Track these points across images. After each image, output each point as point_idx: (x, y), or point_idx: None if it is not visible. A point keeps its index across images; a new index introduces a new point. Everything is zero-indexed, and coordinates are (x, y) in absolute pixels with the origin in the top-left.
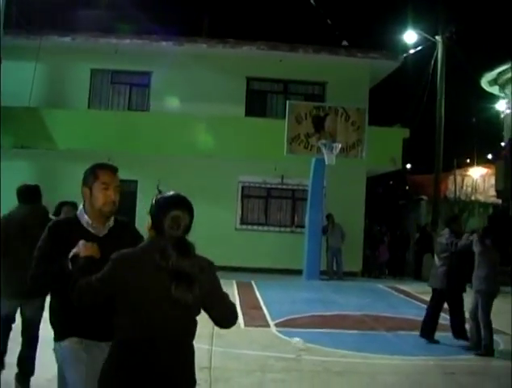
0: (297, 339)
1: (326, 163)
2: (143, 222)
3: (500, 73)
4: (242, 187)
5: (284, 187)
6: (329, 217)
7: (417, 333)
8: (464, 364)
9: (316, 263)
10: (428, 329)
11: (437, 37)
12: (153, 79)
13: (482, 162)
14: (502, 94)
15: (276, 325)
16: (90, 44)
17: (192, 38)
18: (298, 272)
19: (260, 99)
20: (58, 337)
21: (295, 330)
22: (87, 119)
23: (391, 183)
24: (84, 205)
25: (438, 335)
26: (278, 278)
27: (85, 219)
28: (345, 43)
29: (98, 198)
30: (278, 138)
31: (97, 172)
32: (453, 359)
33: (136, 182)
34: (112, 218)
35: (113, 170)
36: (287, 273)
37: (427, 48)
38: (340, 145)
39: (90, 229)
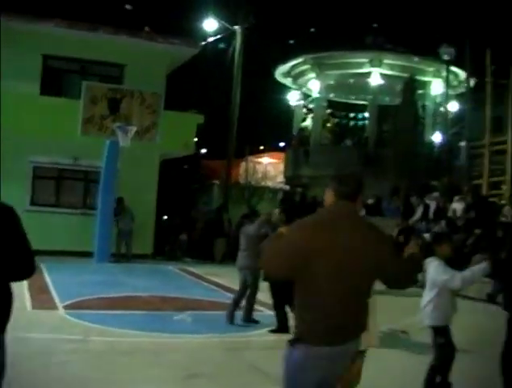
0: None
1: (120, 145)
2: None
3: (293, 66)
4: (34, 168)
5: (77, 168)
6: (119, 200)
7: (204, 312)
8: (251, 340)
9: (106, 246)
10: (247, 311)
11: (236, 27)
12: None
13: (273, 149)
14: (294, 86)
15: (64, 307)
16: None
17: None
18: (89, 255)
19: (56, 78)
20: None
21: (83, 311)
22: None
23: (186, 167)
24: None
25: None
26: (68, 260)
27: None
28: (147, 29)
29: None
30: (73, 119)
31: None
32: (239, 335)
33: None
34: None
35: None
36: (77, 255)
37: (227, 38)
38: (135, 128)
39: None
